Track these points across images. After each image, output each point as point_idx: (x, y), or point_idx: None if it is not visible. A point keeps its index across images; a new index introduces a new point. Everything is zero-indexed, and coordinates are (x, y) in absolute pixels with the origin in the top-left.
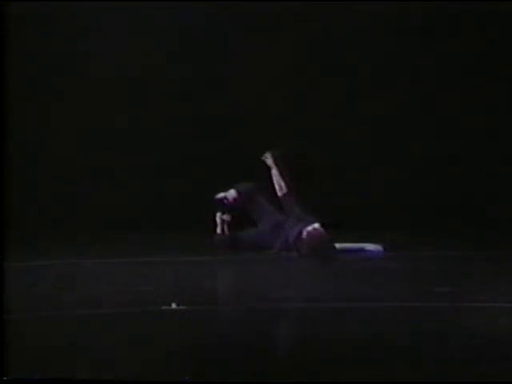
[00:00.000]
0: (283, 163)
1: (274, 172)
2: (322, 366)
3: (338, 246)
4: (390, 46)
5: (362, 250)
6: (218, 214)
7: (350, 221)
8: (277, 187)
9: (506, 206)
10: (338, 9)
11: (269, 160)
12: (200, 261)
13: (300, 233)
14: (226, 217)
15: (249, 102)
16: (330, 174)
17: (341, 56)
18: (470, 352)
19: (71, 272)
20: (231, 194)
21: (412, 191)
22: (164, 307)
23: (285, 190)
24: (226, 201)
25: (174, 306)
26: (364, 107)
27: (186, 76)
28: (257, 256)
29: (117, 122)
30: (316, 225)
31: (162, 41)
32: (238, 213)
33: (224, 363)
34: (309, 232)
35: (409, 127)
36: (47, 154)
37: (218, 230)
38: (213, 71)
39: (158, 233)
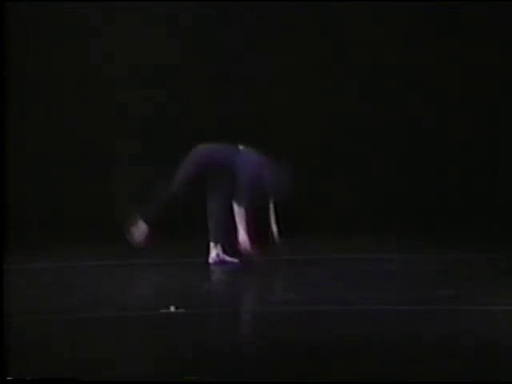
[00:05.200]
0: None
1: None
2: (322, 368)
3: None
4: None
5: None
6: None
7: (350, 221)
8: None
9: (506, 206)
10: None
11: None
12: (200, 263)
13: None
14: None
15: (252, 101)
16: (331, 173)
17: (341, 56)
18: (471, 354)
19: (71, 274)
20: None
21: (412, 192)
22: (163, 310)
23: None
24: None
25: (172, 309)
26: (363, 107)
27: (189, 78)
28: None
29: (117, 122)
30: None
31: (163, 39)
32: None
33: (223, 364)
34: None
35: (409, 128)
36: (47, 154)
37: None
38: (214, 71)
39: (157, 234)
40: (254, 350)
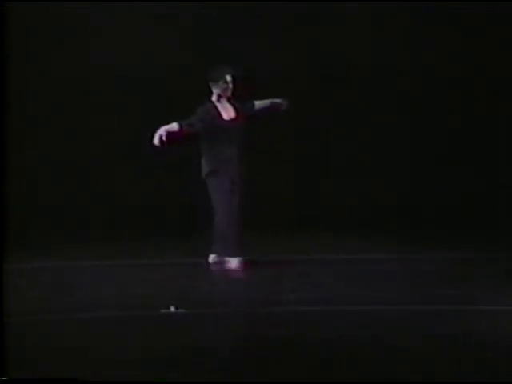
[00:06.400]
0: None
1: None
2: (322, 368)
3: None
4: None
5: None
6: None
7: (351, 221)
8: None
9: (506, 206)
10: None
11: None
12: (200, 263)
13: None
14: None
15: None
16: (331, 174)
17: (341, 56)
18: (471, 354)
19: (71, 274)
20: (172, 127)
21: (412, 193)
22: (163, 310)
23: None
24: (164, 139)
25: (172, 309)
26: (364, 108)
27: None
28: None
29: (118, 123)
30: None
31: (163, 39)
32: None
33: (223, 364)
34: None
35: (410, 128)
36: (47, 154)
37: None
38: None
39: (157, 234)
40: (254, 349)
